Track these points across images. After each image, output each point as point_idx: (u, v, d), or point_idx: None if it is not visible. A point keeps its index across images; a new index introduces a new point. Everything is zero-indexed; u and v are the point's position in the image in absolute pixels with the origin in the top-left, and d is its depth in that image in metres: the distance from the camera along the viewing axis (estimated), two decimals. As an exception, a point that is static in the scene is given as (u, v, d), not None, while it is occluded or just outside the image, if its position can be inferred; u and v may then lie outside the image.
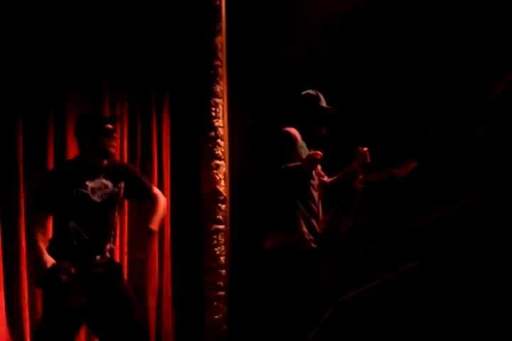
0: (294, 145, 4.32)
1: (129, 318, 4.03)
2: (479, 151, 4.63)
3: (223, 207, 5.40)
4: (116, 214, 4.21)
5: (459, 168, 4.62)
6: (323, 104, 4.46)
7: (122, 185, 4.20)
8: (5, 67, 4.91)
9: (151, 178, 5.22)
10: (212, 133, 5.38)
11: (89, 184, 4.09)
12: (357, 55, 5.37)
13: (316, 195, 4.44)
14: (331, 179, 4.60)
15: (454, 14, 5.10)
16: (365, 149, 4.48)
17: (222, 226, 5.41)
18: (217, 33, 5.40)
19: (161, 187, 5.20)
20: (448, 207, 4.59)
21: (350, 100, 5.32)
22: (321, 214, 4.48)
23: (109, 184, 4.16)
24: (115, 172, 4.20)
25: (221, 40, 5.41)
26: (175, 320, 5.35)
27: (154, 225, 4.17)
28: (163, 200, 4.32)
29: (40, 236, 4.01)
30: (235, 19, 5.45)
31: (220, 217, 5.40)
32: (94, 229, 4.08)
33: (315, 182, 4.45)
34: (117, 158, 5.04)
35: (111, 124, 4.18)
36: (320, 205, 4.48)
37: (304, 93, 4.50)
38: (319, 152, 4.20)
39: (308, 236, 4.32)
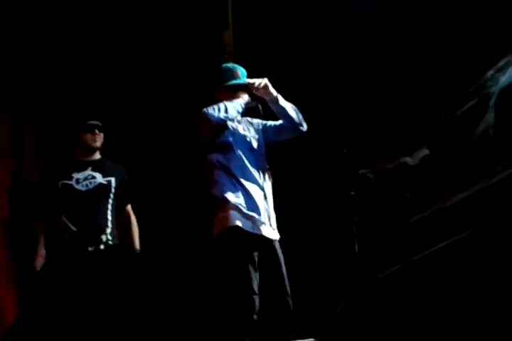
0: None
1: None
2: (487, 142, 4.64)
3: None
4: (109, 207, 4.22)
5: (468, 156, 4.62)
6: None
7: (113, 180, 4.24)
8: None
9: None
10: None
11: (75, 175, 4.18)
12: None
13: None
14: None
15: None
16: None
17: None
18: (225, 26, 5.40)
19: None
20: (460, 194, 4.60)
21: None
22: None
23: (98, 175, 4.20)
24: (106, 168, 4.28)
25: (228, 34, 5.42)
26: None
27: (137, 245, 4.39)
28: (134, 218, 4.43)
29: (41, 231, 4.24)
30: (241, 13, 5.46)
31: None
32: (83, 220, 4.12)
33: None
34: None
35: (95, 120, 4.25)
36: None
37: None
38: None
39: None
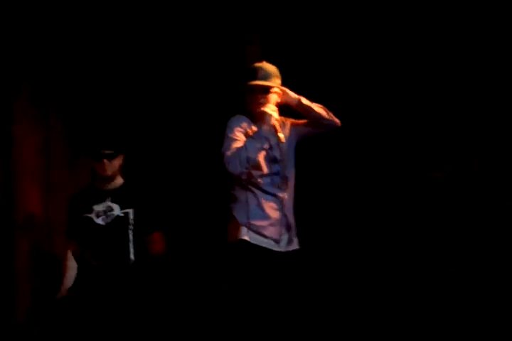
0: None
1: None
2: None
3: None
4: (130, 238, 4.14)
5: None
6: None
7: (131, 212, 4.16)
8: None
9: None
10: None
11: (96, 207, 4.13)
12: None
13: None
14: None
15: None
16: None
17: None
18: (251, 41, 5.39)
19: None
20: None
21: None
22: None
23: (116, 207, 4.13)
24: (126, 197, 4.19)
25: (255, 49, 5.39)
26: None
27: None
28: (158, 248, 4.26)
29: (69, 261, 4.18)
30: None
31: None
32: (104, 255, 4.08)
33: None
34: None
35: (105, 149, 4.17)
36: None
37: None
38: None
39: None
